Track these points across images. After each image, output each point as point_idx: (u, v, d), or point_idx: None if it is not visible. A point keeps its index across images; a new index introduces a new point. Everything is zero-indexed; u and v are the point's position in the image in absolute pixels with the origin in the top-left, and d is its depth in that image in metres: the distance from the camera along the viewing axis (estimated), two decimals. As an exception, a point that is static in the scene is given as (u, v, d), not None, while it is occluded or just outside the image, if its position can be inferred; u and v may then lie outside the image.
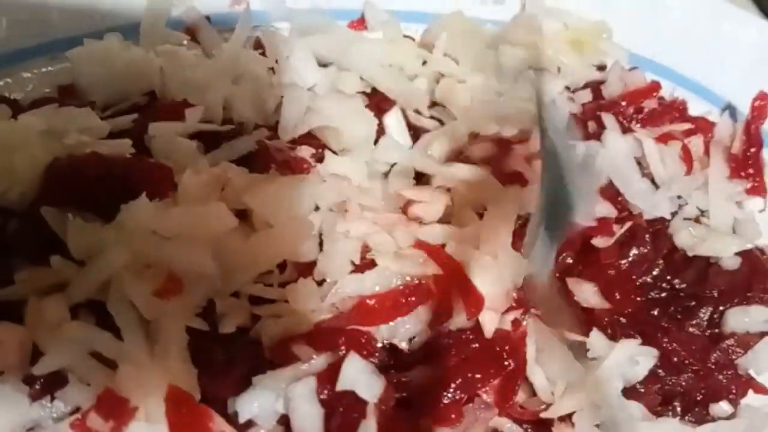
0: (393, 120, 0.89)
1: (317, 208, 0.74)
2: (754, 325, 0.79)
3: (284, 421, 0.64)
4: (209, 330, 0.65)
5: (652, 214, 0.84)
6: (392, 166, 0.84)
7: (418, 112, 0.90)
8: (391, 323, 0.69)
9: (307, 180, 0.75)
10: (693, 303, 0.80)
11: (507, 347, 0.69)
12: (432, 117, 0.90)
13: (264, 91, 0.85)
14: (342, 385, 0.63)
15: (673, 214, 0.86)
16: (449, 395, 0.66)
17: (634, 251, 0.81)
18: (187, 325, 0.64)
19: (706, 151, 0.93)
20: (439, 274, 0.69)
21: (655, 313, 0.80)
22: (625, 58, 0.99)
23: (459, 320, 0.69)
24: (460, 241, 0.73)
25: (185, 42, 0.92)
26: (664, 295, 0.81)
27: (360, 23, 1.00)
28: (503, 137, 0.85)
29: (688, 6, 1.01)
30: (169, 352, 0.63)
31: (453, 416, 0.65)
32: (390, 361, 0.69)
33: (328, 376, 0.64)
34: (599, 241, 0.80)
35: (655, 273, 0.82)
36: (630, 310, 0.78)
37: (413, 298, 0.69)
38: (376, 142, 0.85)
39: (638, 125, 0.93)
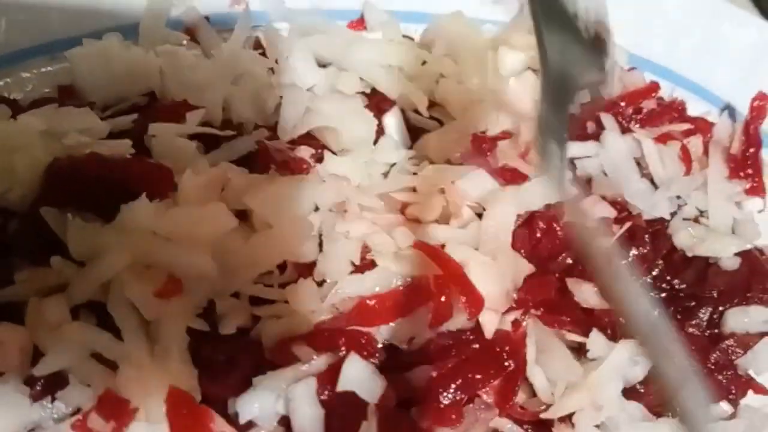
0: (393, 120, 0.89)
1: (317, 209, 0.74)
2: (753, 325, 0.79)
3: (285, 422, 0.64)
4: (209, 331, 0.65)
5: (652, 215, 0.84)
6: (392, 166, 0.84)
7: (417, 112, 0.90)
8: (391, 324, 0.69)
9: (307, 180, 0.75)
10: (692, 303, 0.80)
11: (507, 348, 0.69)
12: (432, 117, 0.90)
13: (263, 91, 0.85)
14: (342, 385, 0.63)
15: (673, 214, 0.86)
16: (449, 396, 0.66)
17: (633, 251, 0.82)
18: (188, 325, 0.64)
19: (705, 152, 0.93)
20: (439, 274, 0.69)
21: (655, 313, 0.80)
22: (624, 58, 0.99)
23: (459, 320, 0.69)
24: (460, 241, 0.73)
25: (185, 42, 0.91)
26: (663, 295, 0.81)
27: (359, 23, 1.00)
28: (495, 135, 0.85)
29: (687, 6, 1.01)
30: (169, 353, 0.63)
31: (453, 417, 0.65)
32: (390, 362, 0.69)
33: (329, 377, 0.64)
34: (599, 242, 0.81)
35: (654, 273, 0.82)
36: (630, 310, 0.78)
37: (413, 299, 0.69)
38: (375, 142, 0.85)
39: (637, 125, 0.93)
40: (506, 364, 0.69)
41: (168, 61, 0.85)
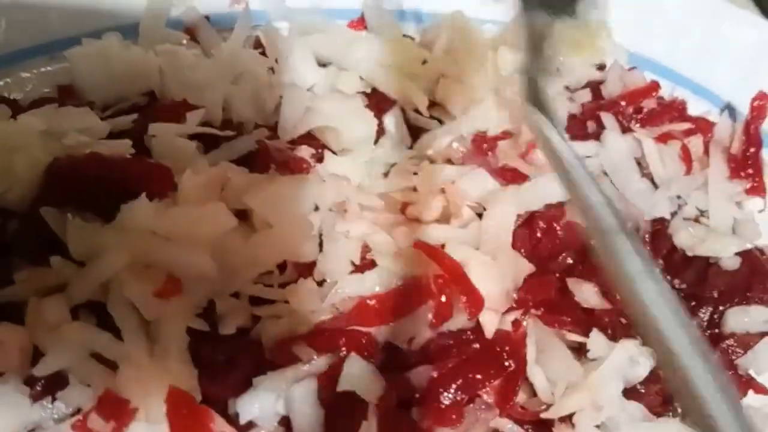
0: (393, 120, 0.89)
1: (317, 208, 0.74)
2: (753, 325, 0.79)
3: (285, 422, 0.64)
4: (210, 331, 0.65)
5: (652, 214, 0.84)
6: (392, 165, 0.84)
7: (418, 112, 0.90)
8: (391, 324, 0.69)
9: (307, 180, 0.75)
10: (693, 303, 0.80)
11: (507, 348, 0.69)
12: (432, 117, 0.90)
13: (263, 90, 0.85)
14: (343, 385, 0.63)
15: (673, 214, 0.86)
16: (449, 396, 0.66)
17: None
18: (188, 325, 0.64)
19: (706, 151, 0.93)
20: (439, 274, 0.69)
21: (655, 313, 0.79)
22: (625, 57, 0.99)
23: (459, 320, 0.69)
24: (460, 241, 0.73)
25: (185, 42, 0.91)
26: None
27: (360, 23, 1.00)
28: (495, 135, 0.85)
29: (687, 5, 1.01)
30: (169, 353, 0.63)
31: (453, 417, 0.65)
32: (390, 362, 0.69)
33: (329, 377, 0.64)
34: (599, 241, 0.80)
35: (655, 273, 0.82)
36: (630, 310, 0.78)
37: (413, 299, 0.69)
38: (376, 141, 0.85)
39: (638, 125, 0.93)
40: (506, 364, 0.69)
41: (168, 61, 0.85)
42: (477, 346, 0.69)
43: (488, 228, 0.74)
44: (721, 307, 0.80)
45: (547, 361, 0.71)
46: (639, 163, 0.87)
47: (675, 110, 0.97)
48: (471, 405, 0.67)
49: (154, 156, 0.75)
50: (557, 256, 0.78)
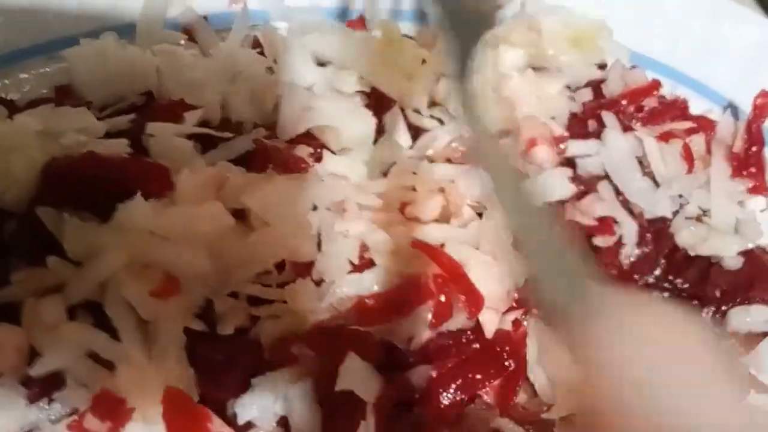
0: (393, 120, 0.88)
1: (315, 208, 0.74)
2: (756, 324, 0.78)
3: (284, 422, 0.64)
4: (208, 331, 0.65)
5: (654, 213, 0.84)
6: (392, 165, 0.84)
7: (418, 112, 0.90)
8: (390, 323, 0.68)
9: (306, 179, 0.74)
10: (695, 303, 0.80)
11: (507, 348, 0.69)
12: (432, 117, 0.90)
13: (262, 90, 0.84)
14: (341, 385, 0.63)
15: (675, 213, 0.85)
16: (449, 396, 0.65)
17: (635, 251, 0.81)
18: (185, 325, 0.64)
19: (708, 150, 0.92)
20: (438, 274, 0.69)
21: (657, 312, 0.79)
22: (626, 56, 0.99)
23: (459, 320, 0.69)
24: (460, 240, 0.73)
25: (182, 41, 0.91)
26: (665, 294, 0.81)
27: (359, 23, 0.99)
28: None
29: (688, 3, 1.00)
30: (167, 353, 0.62)
31: (453, 417, 0.65)
32: (390, 362, 0.68)
33: (328, 377, 0.63)
34: (600, 241, 0.80)
35: (656, 273, 0.82)
36: (631, 309, 0.77)
37: (413, 298, 0.69)
38: (375, 141, 0.85)
39: (639, 124, 0.92)
40: (507, 364, 0.68)
41: (165, 61, 0.84)
42: (477, 346, 0.69)
43: (488, 228, 0.74)
44: (723, 307, 0.79)
45: (547, 361, 0.71)
46: (640, 162, 0.87)
47: (676, 109, 0.96)
48: (471, 405, 0.67)
49: (151, 156, 0.74)
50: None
